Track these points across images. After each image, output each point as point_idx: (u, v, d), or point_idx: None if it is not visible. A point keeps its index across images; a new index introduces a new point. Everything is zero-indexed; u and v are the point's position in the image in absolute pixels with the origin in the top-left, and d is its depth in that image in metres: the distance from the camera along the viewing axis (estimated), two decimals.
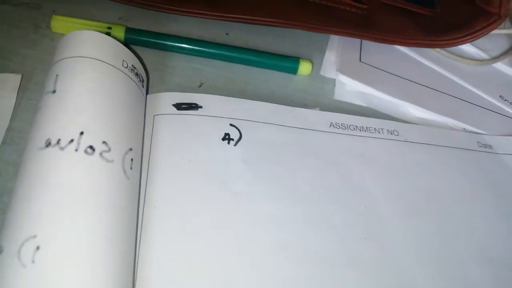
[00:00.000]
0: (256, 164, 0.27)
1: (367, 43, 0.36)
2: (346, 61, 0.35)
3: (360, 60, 0.35)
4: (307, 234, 0.25)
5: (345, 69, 0.34)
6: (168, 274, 0.22)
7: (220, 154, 0.27)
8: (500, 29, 0.40)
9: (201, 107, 0.28)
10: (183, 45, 0.32)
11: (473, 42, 0.39)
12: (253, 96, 0.31)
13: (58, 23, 0.31)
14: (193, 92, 0.29)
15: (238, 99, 0.30)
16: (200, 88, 0.31)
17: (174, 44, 0.31)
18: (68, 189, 0.19)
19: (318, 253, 0.24)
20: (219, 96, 0.29)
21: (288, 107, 0.30)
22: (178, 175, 0.25)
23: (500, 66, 0.40)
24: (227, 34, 0.34)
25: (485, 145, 0.33)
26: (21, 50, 0.29)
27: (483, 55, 0.40)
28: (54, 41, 0.31)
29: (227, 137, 0.27)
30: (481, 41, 0.38)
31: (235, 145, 0.27)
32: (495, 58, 0.40)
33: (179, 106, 0.28)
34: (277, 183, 0.26)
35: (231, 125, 0.28)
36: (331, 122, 0.31)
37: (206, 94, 0.29)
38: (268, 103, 0.30)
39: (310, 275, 0.23)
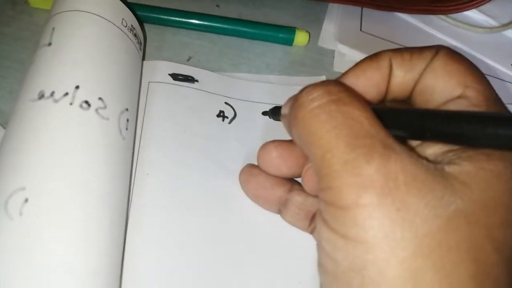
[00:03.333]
0: (250, 143, 0.26)
1: (368, 12, 0.34)
2: (346, 30, 0.33)
3: (360, 30, 0.33)
4: None
5: (345, 39, 0.32)
6: (156, 241, 0.21)
7: (215, 130, 0.26)
8: None
9: (197, 81, 0.27)
10: (171, 18, 0.30)
11: (481, 9, 0.36)
12: (247, 70, 0.29)
13: None
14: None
15: (234, 78, 0.28)
16: (188, 62, 0.29)
17: (161, 16, 0.29)
18: (61, 143, 0.18)
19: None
20: (216, 73, 0.28)
21: (285, 86, 0.29)
22: (172, 145, 0.24)
23: (510, 33, 0.38)
24: (217, 6, 0.32)
25: None
26: None
27: (492, 22, 0.38)
28: (32, 17, 0.29)
29: (221, 114, 0.26)
30: (489, 7, 0.36)
31: (229, 123, 0.26)
32: (505, 25, 0.37)
33: (175, 77, 0.27)
34: None
35: (226, 103, 0.27)
36: None
37: (202, 69, 0.28)
38: (265, 83, 0.29)
39: (300, 251, 0.22)
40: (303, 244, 0.22)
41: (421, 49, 0.18)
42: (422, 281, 0.13)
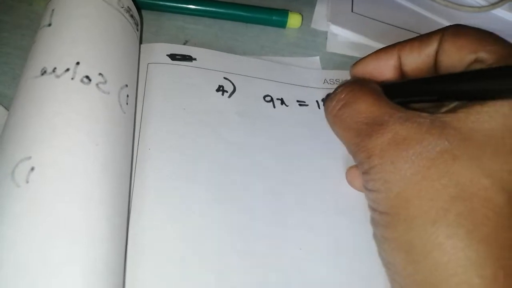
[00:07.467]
0: (250, 116, 0.26)
1: None
2: (337, 11, 0.33)
3: (352, 11, 0.34)
4: (295, 183, 0.24)
5: (337, 19, 0.33)
6: (160, 212, 0.22)
7: (215, 104, 0.26)
8: None
9: (195, 59, 0.28)
10: (166, 3, 0.30)
11: None
12: (242, 52, 0.30)
13: None
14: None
15: (232, 54, 0.29)
16: (185, 45, 0.29)
17: (156, 2, 0.30)
18: (64, 115, 0.19)
19: (308, 201, 0.24)
20: (213, 50, 0.29)
21: (281, 64, 0.29)
22: (173, 121, 0.25)
23: (500, 12, 0.38)
24: None
25: None
26: None
27: (481, 2, 0.39)
28: (32, 6, 0.29)
29: (221, 88, 0.27)
30: None
31: (229, 96, 0.27)
32: (494, 4, 0.38)
33: (173, 57, 0.28)
34: (270, 136, 0.26)
35: (225, 78, 0.28)
36: (325, 79, 0.30)
37: (200, 48, 0.28)
38: (261, 60, 0.29)
39: (299, 222, 0.23)
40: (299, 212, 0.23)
41: (429, 35, 0.20)
42: (412, 205, 0.17)
